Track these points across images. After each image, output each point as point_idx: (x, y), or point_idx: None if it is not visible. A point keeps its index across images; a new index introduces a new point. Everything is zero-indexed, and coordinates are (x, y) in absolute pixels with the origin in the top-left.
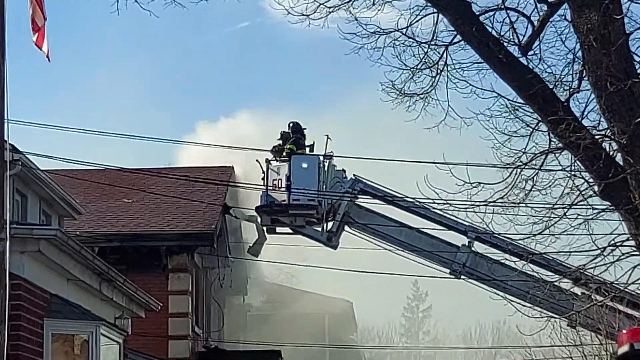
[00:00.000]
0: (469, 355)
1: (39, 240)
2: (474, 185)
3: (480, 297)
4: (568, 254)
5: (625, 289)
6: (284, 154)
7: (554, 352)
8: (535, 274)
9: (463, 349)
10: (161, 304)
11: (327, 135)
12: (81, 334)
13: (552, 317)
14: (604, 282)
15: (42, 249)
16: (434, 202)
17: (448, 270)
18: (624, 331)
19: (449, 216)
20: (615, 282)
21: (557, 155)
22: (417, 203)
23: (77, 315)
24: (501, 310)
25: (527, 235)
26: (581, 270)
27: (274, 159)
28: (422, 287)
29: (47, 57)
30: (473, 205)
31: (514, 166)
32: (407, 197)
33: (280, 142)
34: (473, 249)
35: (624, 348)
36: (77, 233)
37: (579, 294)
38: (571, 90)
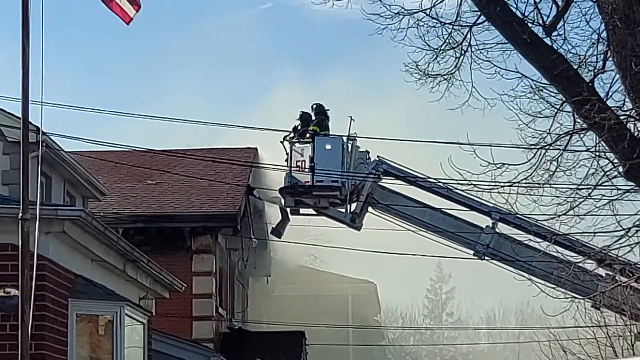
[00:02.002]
0: (492, 336)
1: (64, 221)
2: (497, 166)
3: (504, 278)
4: (592, 234)
5: None
6: (307, 135)
7: (577, 333)
8: (559, 255)
9: (486, 329)
10: (185, 285)
11: (351, 117)
12: (106, 314)
13: (575, 298)
14: (628, 263)
15: (66, 229)
16: (458, 183)
17: (472, 252)
18: None
19: (472, 197)
20: (638, 263)
21: (581, 135)
22: (441, 184)
23: (101, 296)
24: (525, 292)
25: (552, 216)
26: (605, 251)
27: (297, 140)
28: (445, 268)
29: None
30: (497, 186)
31: (538, 147)
32: (430, 178)
33: (300, 122)
34: (497, 229)
35: None
36: (102, 214)
37: (603, 275)
38: (596, 70)
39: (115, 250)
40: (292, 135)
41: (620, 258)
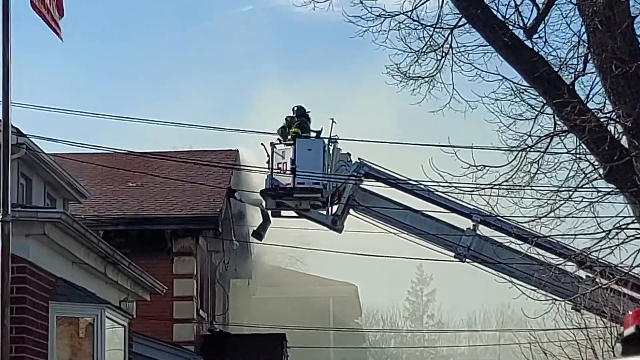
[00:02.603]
0: (473, 338)
1: (44, 223)
2: (479, 168)
3: (485, 280)
4: (573, 236)
5: (630, 272)
6: (289, 137)
7: (558, 335)
8: (540, 257)
9: (467, 331)
10: (166, 287)
11: (332, 119)
12: (86, 317)
13: (556, 300)
14: (608, 265)
15: (47, 231)
16: (439, 185)
17: (453, 254)
18: (630, 312)
19: (453, 199)
20: (620, 265)
21: (562, 138)
22: (422, 186)
23: (82, 299)
24: (505, 294)
25: (533, 218)
26: (586, 254)
27: (279, 142)
28: (426, 270)
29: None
30: (478, 188)
31: (519, 149)
32: (411, 180)
33: (286, 125)
34: (478, 232)
35: (630, 329)
36: (82, 217)
37: (584, 277)
38: (576, 73)
39: (96, 252)
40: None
41: (600, 260)
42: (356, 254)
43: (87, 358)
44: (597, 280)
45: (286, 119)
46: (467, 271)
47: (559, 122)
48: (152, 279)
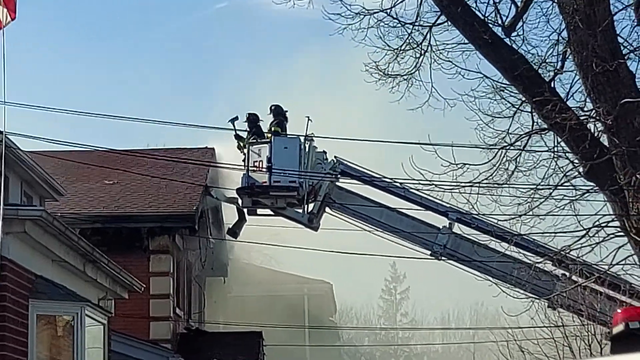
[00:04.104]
0: (447, 336)
1: (24, 221)
2: (459, 166)
3: (459, 279)
4: (553, 235)
5: (607, 272)
6: (266, 136)
7: (535, 333)
8: (519, 256)
9: (441, 329)
10: (144, 285)
11: (308, 117)
12: (66, 315)
13: (531, 297)
14: (584, 264)
15: (27, 229)
16: (419, 183)
17: (429, 252)
18: (619, 310)
19: (429, 197)
20: (596, 264)
21: (542, 135)
22: (398, 184)
23: (62, 296)
24: (479, 292)
25: (513, 216)
26: (563, 252)
27: (255, 140)
28: (400, 269)
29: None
30: (458, 186)
31: (499, 147)
32: (387, 178)
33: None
34: (454, 230)
35: (619, 327)
36: (59, 214)
37: (559, 275)
38: (555, 71)
39: (75, 250)
40: (250, 135)
41: (578, 259)
42: (330, 251)
43: (67, 356)
44: (573, 278)
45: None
46: (440, 269)
47: (537, 120)
48: (131, 276)
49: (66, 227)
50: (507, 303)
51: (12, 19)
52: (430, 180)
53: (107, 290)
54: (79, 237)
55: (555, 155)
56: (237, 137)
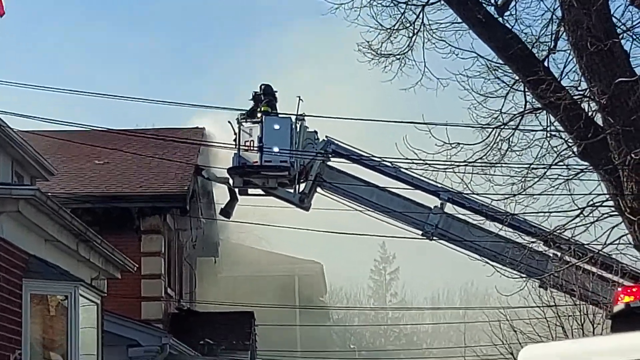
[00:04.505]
0: (436, 316)
1: (18, 200)
2: (453, 145)
3: (449, 259)
4: (547, 214)
5: (600, 252)
6: (258, 115)
7: (527, 313)
8: (511, 236)
9: (430, 309)
10: (136, 265)
11: (299, 97)
12: (60, 295)
13: (525, 277)
14: (576, 243)
15: (21, 209)
16: (413, 163)
17: (420, 232)
18: (620, 289)
19: (420, 177)
20: (589, 244)
21: (536, 115)
22: (389, 164)
23: (55, 276)
24: (469, 272)
25: (507, 196)
26: (555, 233)
27: (245, 119)
28: (389, 249)
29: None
30: (452, 165)
31: (493, 126)
32: (378, 157)
33: (253, 103)
34: (445, 210)
35: (620, 306)
36: (50, 194)
37: (552, 255)
38: (549, 50)
39: (68, 230)
40: (242, 114)
41: (572, 239)
42: (320, 231)
43: (60, 335)
44: (565, 258)
45: (253, 95)
46: (430, 249)
47: (530, 100)
48: (124, 256)
49: (60, 206)
50: (499, 282)
51: (1, 15)
52: (424, 160)
53: (99, 270)
54: (72, 217)
55: (549, 135)
56: (259, 110)
